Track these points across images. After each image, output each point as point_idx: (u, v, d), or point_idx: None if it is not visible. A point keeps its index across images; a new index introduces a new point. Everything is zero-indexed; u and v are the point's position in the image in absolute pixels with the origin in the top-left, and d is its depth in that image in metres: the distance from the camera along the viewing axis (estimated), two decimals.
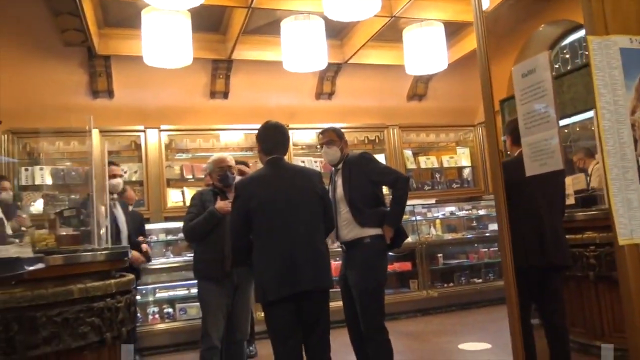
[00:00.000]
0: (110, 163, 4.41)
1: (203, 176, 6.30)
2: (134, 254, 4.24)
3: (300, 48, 5.15)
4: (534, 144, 1.83)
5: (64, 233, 2.56)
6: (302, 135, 6.90)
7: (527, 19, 6.13)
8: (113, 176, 4.32)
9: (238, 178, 4.10)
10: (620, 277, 1.54)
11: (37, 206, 5.64)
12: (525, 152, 1.89)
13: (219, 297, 3.35)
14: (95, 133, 5.64)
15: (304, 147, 6.97)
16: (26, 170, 5.70)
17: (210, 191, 3.53)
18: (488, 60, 2.10)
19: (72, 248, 2.48)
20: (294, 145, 6.74)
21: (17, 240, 2.39)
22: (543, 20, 6.16)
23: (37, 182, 5.68)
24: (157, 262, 5.35)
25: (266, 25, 5.70)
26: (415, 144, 7.52)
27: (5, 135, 5.56)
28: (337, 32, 6.13)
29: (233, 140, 6.58)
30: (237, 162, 4.83)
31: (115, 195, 4.45)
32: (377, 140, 7.13)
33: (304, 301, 2.79)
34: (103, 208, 3.08)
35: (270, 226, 2.79)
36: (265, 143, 2.93)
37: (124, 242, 4.33)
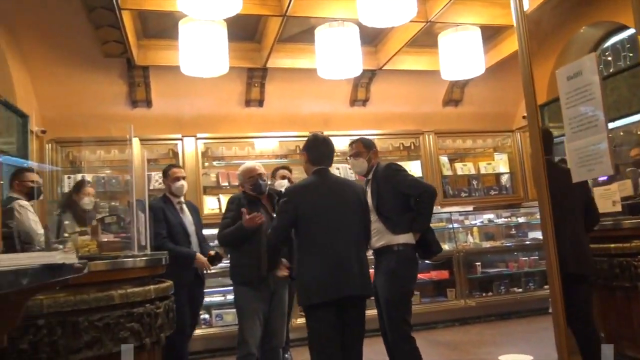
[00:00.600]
0: (173, 166, 4.37)
1: (238, 184, 6.40)
2: (199, 258, 4.01)
3: (335, 55, 5.15)
4: (581, 149, 1.77)
5: (105, 239, 2.61)
6: (336, 142, 6.83)
7: (567, 21, 5.97)
8: (177, 179, 4.17)
9: (282, 182, 4.19)
10: None
11: None
12: (572, 158, 1.83)
13: (256, 303, 3.36)
14: (135, 141, 5.77)
15: (338, 154, 6.91)
16: (69, 178, 5.87)
17: (245, 198, 3.57)
18: (530, 62, 2.05)
19: (113, 254, 2.52)
20: None
21: (60, 247, 2.45)
22: (584, 22, 5.98)
23: None
24: None
25: (300, 33, 5.73)
26: (451, 150, 7.40)
27: (50, 145, 5.74)
28: (372, 38, 6.11)
29: (268, 148, 6.62)
30: (280, 168, 4.90)
31: (182, 199, 4.26)
32: (412, 147, 7.05)
33: (346, 307, 2.91)
34: (143, 215, 3.12)
35: (318, 231, 2.95)
36: (313, 154, 3.16)
37: (194, 246, 4.13)
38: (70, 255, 1.14)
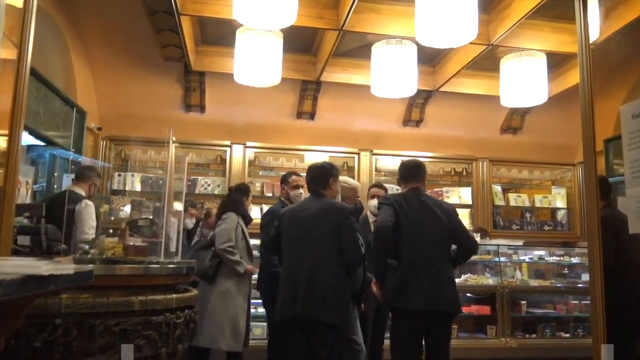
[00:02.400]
0: (293, 173, 4.41)
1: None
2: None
3: (390, 73, 5.03)
4: None
5: (132, 243, 2.59)
6: (386, 162, 6.73)
7: None
8: (296, 187, 4.23)
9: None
10: None
11: (126, 210, 5.93)
12: (630, 206, 1.63)
13: None
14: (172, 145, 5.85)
15: (387, 173, 6.79)
16: (119, 175, 6.02)
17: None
18: (592, 96, 1.87)
19: (138, 259, 2.50)
20: (376, 171, 6.61)
21: (86, 247, 2.45)
22: None
23: (127, 188, 5.97)
24: None
25: (357, 48, 5.65)
26: (506, 179, 7.08)
27: (104, 142, 5.91)
28: (430, 58, 5.95)
29: (316, 162, 6.55)
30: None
31: None
32: (464, 173, 6.80)
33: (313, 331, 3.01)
34: (176, 221, 3.10)
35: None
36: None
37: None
38: (62, 265, 1.08)
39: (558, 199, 6.86)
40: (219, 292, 3.89)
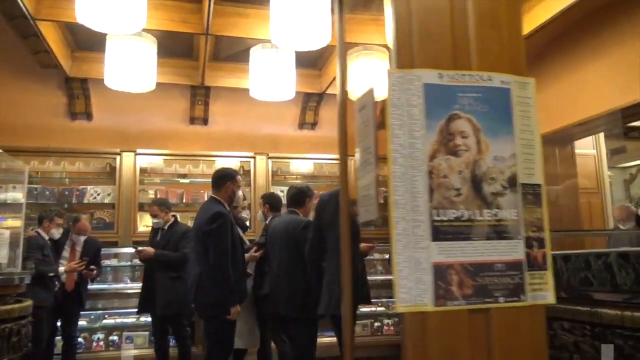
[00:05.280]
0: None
1: (176, 201, 6.27)
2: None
3: (267, 76, 5.06)
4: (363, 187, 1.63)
5: None
6: (285, 166, 6.77)
7: None
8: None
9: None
10: (402, 349, 1.31)
11: None
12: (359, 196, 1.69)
13: None
14: None
15: (286, 176, 6.83)
16: None
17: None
18: (345, 92, 1.93)
19: None
20: (273, 174, 6.63)
21: None
22: None
23: None
24: (110, 287, 5.25)
25: (242, 53, 5.64)
26: None
27: None
28: (314, 62, 6.03)
29: (210, 168, 6.50)
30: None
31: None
32: None
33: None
34: (8, 232, 2.99)
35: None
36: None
37: None
38: None
39: None
40: None
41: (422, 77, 1.39)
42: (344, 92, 1.95)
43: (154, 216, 4.72)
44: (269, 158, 6.54)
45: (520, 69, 1.47)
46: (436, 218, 1.32)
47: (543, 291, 1.36)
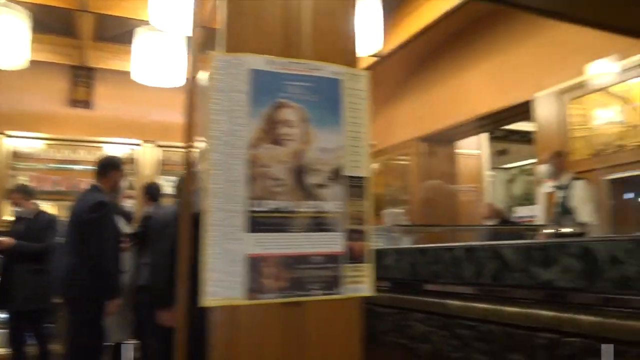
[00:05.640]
0: None
1: (53, 189, 5.83)
2: None
3: (152, 61, 4.81)
4: None
5: None
6: (173, 155, 6.51)
7: None
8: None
9: None
10: (211, 345, 1.25)
11: None
12: None
13: None
14: None
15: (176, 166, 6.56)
16: None
17: None
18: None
19: None
20: (163, 163, 6.35)
21: None
22: None
23: None
24: None
25: (127, 33, 5.33)
26: None
27: None
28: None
29: (90, 154, 6.09)
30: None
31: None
32: None
33: None
34: None
35: None
36: None
37: None
38: None
39: None
40: None
41: (249, 62, 1.34)
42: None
43: (15, 204, 4.34)
44: (159, 146, 6.27)
45: (354, 61, 1.46)
46: (254, 209, 1.27)
47: (360, 284, 1.36)
